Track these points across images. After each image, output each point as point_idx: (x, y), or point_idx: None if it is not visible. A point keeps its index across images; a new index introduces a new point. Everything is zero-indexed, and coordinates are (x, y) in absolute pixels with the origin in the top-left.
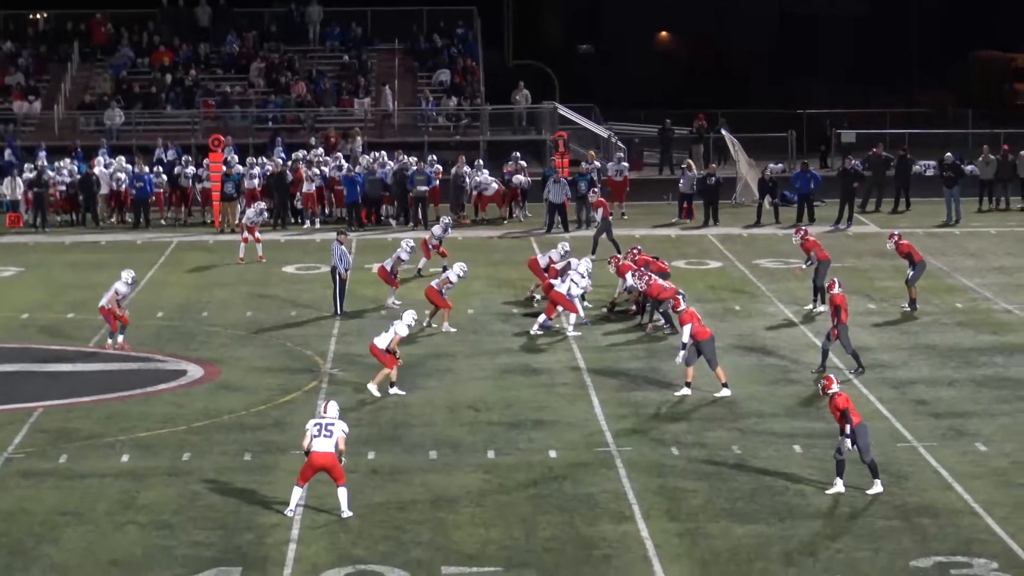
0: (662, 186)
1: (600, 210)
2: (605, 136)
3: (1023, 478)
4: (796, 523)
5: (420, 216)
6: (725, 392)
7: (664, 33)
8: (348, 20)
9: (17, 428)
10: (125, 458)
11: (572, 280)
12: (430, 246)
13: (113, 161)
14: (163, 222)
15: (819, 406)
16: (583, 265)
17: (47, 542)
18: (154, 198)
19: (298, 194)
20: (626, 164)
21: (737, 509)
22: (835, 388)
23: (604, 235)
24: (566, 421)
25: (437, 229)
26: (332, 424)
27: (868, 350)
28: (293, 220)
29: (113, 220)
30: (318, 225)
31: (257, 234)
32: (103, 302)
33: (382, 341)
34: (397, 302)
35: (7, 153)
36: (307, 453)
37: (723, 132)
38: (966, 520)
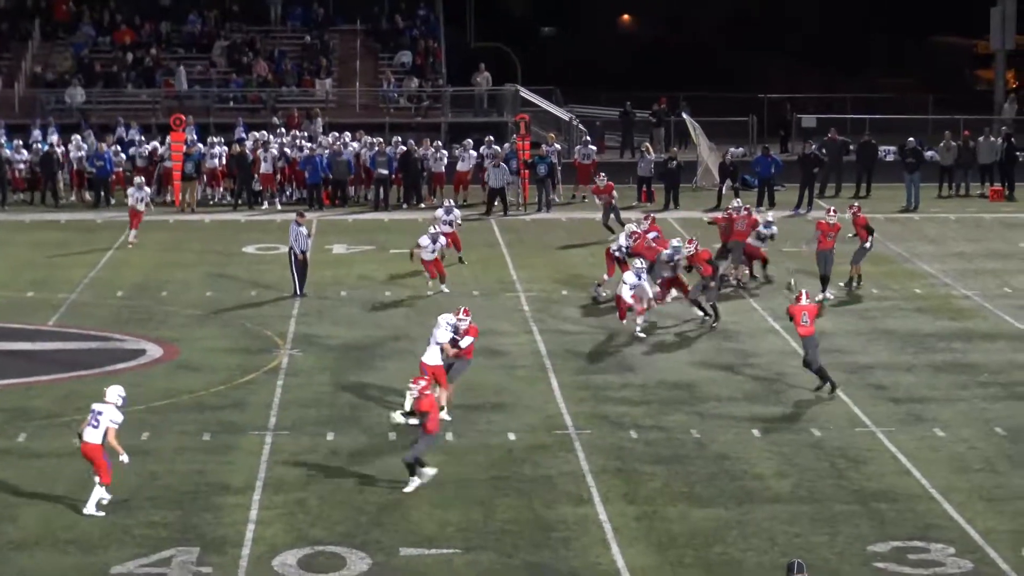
0: (623, 169)
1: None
2: (566, 119)
3: (980, 464)
4: (754, 507)
5: (382, 199)
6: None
7: (626, 16)
8: (310, 1)
9: None
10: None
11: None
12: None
13: (84, 139)
14: (128, 201)
15: (777, 390)
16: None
17: (5, 520)
18: (114, 176)
19: (256, 175)
20: (593, 148)
21: (695, 493)
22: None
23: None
24: (525, 404)
25: (441, 212)
26: (101, 413)
27: (827, 335)
28: (254, 201)
29: (74, 199)
30: (279, 206)
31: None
32: None
33: (431, 358)
34: (440, 287)
35: None
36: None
37: (684, 116)
38: (923, 505)
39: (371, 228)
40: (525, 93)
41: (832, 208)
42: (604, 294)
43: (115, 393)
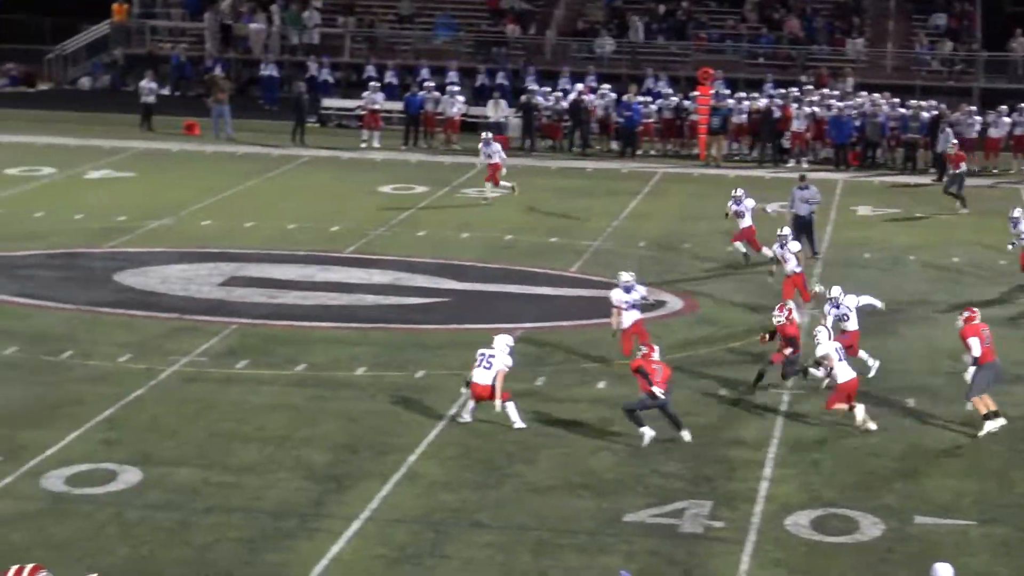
0: None
1: (963, 164)
2: None
3: None
4: None
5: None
6: None
7: None
8: None
9: None
10: (601, 384)
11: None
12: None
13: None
14: (652, 152)
15: None
16: None
17: (522, 462)
18: (642, 128)
19: (787, 132)
20: None
21: None
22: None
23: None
24: None
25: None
26: (493, 356)
27: None
28: (781, 159)
29: (599, 148)
30: (805, 165)
31: (499, 175)
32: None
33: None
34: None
35: (499, 75)
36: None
37: None
38: None
39: (897, 191)
40: None
41: None
42: None
43: (503, 341)
